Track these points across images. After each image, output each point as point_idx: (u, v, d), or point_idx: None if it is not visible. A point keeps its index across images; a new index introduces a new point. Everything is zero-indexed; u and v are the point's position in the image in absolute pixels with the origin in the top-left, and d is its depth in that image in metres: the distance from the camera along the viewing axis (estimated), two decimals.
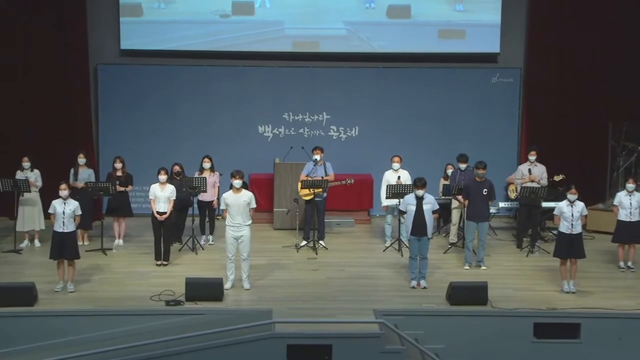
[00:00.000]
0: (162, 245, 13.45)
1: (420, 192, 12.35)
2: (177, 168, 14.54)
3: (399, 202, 13.39)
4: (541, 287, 12.59)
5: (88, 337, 10.86)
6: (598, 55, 16.65)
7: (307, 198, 14.64)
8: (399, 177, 14.49)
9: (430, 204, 12.42)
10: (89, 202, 14.21)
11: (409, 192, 13.52)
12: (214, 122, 17.06)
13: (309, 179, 14.52)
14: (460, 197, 14.11)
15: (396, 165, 14.62)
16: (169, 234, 13.58)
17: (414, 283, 12.50)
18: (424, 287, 12.45)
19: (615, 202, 13.57)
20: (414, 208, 12.36)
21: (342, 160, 16.40)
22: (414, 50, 16.97)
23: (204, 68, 16.97)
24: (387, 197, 14.36)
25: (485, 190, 13.34)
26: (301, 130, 17.23)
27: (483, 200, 13.36)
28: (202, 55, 16.87)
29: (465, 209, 13.62)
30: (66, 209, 12.04)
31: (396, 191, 14.06)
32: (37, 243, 14.54)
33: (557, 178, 15.37)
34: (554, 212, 12.59)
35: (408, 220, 12.48)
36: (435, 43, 16.87)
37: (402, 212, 12.84)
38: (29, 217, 14.45)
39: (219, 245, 14.43)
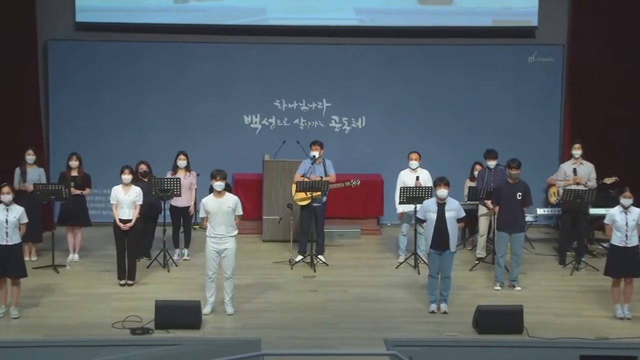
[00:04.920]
0: (126, 260, 13.43)
1: (442, 192, 12.31)
2: (143, 167, 14.54)
3: (416, 208, 13.39)
4: (589, 312, 12.59)
5: None
6: None
7: (304, 203, 14.63)
8: (417, 178, 14.48)
9: (454, 210, 12.41)
10: (37, 208, 14.20)
11: (428, 196, 13.51)
12: (190, 111, 17.04)
13: (306, 179, 14.52)
14: (489, 202, 14.11)
15: (414, 163, 14.60)
16: (135, 247, 13.57)
17: (433, 307, 12.50)
18: (445, 312, 12.44)
19: None
20: (434, 216, 12.33)
21: (346, 157, 16.41)
22: (432, 24, 16.96)
23: (177, 45, 16.96)
24: (400, 202, 14.36)
25: (520, 194, 13.32)
26: (296, 121, 17.24)
27: (517, 206, 13.34)
28: (175, 29, 16.85)
29: (496, 216, 13.63)
30: (9, 216, 12.02)
31: (412, 194, 14.05)
32: None
33: (608, 180, 15.37)
34: (605, 221, 12.57)
35: (428, 231, 12.46)
36: (459, 15, 16.88)
37: (420, 221, 12.83)
38: None
39: (196, 260, 14.42)
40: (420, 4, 16.85)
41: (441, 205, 12.36)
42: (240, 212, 12.30)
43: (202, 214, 12.29)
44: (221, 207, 12.11)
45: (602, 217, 13.07)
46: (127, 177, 13.41)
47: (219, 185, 12.16)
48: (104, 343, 11.23)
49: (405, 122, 17.17)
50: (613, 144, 16.60)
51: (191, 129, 16.92)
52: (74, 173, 14.55)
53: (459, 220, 12.56)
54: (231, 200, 12.22)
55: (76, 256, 14.66)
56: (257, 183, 16.21)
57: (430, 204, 12.51)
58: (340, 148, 16.63)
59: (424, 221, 12.55)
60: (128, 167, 13.57)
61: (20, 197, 13.22)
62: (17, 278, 12.15)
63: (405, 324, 12.11)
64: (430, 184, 14.14)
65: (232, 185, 15.80)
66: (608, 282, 12.56)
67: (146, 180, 14.33)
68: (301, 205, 14.69)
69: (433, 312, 12.45)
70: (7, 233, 12.01)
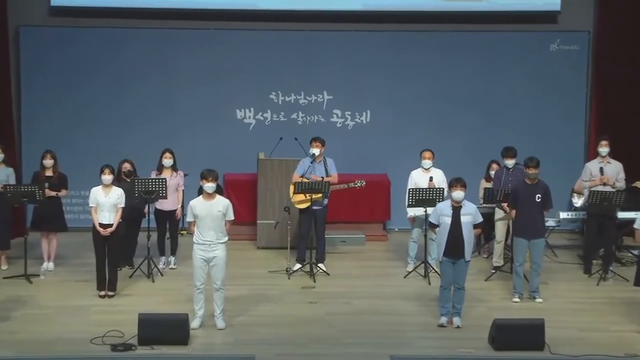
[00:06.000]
0: (106, 270, 13.41)
1: (459, 195, 12.26)
2: (127, 166, 14.54)
3: (426, 211, 13.35)
4: (617, 326, 12.56)
5: None
6: None
7: (302, 206, 14.62)
8: (431, 179, 14.47)
9: (470, 215, 12.37)
10: (5, 211, 14.20)
11: (440, 198, 13.48)
12: (178, 105, 17.08)
13: (305, 180, 14.51)
14: (506, 205, 14.09)
15: (427, 162, 14.59)
16: (116, 254, 13.54)
17: (443, 320, 12.47)
18: (458, 326, 12.42)
19: None
20: (449, 220, 12.29)
21: (349, 155, 16.44)
22: (445, 9, 16.96)
23: (162, 31, 16.99)
24: (408, 205, 14.34)
25: (539, 196, 13.30)
26: (294, 116, 17.27)
27: (536, 210, 13.32)
28: (161, 14, 16.85)
29: (513, 221, 13.61)
30: None
31: (421, 197, 14.04)
32: None
33: (639, 184, 15.36)
34: (635, 226, 12.55)
35: (441, 237, 12.43)
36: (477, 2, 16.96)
37: (432, 226, 12.79)
38: None
39: (183, 269, 14.43)
40: None
41: (456, 209, 12.33)
42: (231, 217, 12.26)
43: (189, 218, 12.25)
44: (211, 211, 12.08)
45: (632, 221, 13.05)
46: (107, 177, 13.36)
47: (210, 187, 12.11)
48: None
49: (415, 116, 17.18)
50: None
51: (178, 124, 16.95)
52: (49, 173, 14.52)
53: (475, 226, 12.52)
54: (222, 204, 12.18)
55: (51, 265, 14.65)
56: (251, 184, 16.23)
57: (445, 207, 12.47)
58: (343, 145, 16.64)
59: (437, 226, 12.52)
60: (108, 166, 13.51)
61: None
62: None
63: (414, 340, 12.09)
64: (444, 185, 14.13)
65: (223, 187, 15.80)
66: (638, 294, 12.55)
67: (129, 180, 14.31)
68: (300, 209, 14.67)
69: (443, 325, 12.41)
70: None
